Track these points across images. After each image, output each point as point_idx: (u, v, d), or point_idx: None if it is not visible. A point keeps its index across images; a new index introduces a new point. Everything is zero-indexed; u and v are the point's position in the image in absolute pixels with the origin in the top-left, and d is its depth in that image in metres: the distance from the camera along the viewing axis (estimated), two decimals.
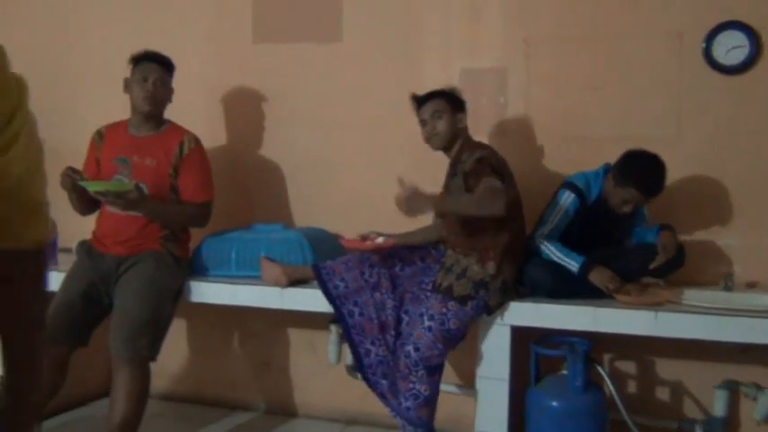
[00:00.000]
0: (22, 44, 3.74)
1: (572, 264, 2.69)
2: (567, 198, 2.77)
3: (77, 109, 3.77)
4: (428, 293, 2.75)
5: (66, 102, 3.81)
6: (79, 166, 3.05)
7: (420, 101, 2.89)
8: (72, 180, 2.83)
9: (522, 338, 2.79)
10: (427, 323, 2.67)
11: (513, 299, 2.71)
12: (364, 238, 2.90)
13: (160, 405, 3.54)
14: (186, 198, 3.03)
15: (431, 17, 3.33)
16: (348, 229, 3.34)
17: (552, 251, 2.73)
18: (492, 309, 2.69)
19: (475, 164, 2.68)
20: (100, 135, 3.13)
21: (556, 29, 3.16)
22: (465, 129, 2.87)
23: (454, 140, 2.85)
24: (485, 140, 3.03)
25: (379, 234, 2.90)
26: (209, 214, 3.10)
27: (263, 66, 3.55)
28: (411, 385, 2.66)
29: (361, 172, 3.42)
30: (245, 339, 3.67)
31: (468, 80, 3.23)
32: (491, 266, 2.69)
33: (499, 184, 2.58)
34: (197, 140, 3.08)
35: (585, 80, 3.13)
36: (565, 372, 2.73)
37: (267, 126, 3.55)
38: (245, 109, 3.58)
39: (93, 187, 2.82)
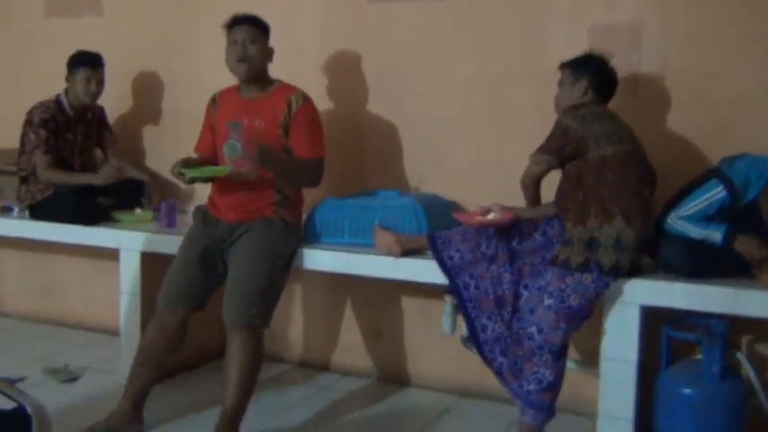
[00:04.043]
0: (144, 15, 3.91)
1: (714, 234, 2.48)
2: (718, 193, 2.52)
3: (198, 74, 3.77)
4: (548, 266, 2.60)
5: (186, 67, 3.84)
6: (196, 126, 3.13)
7: (560, 66, 2.79)
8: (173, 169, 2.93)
9: (652, 319, 2.60)
10: (547, 301, 2.52)
11: (631, 262, 2.51)
12: (485, 211, 2.75)
13: (270, 368, 3.54)
14: (298, 155, 2.96)
15: None
16: (467, 196, 3.25)
17: (687, 227, 2.51)
18: (606, 270, 2.49)
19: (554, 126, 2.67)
20: (214, 101, 3.12)
21: None
22: (587, 95, 2.71)
23: (577, 107, 2.70)
24: (614, 102, 2.80)
25: (501, 207, 2.74)
26: (322, 172, 3.01)
27: (377, 25, 3.43)
28: (535, 368, 2.54)
29: (482, 134, 3.27)
30: (357, 306, 3.62)
31: (598, 36, 3.00)
32: (593, 223, 2.52)
33: (538, 161, 2.64)
34: (305, 97, 3.00)
35: (731, 35, 2.85)
36: (699, 356, 2.54)
37: (382, 88, 3.44)
38: (359, 70, 3.48)
39: (189, 173, 2.87)
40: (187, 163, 2.98)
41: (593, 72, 2.70)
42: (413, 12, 3.35)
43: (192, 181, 2.95)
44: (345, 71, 3.50)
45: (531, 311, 2.58)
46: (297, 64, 3.45)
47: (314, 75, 3.50)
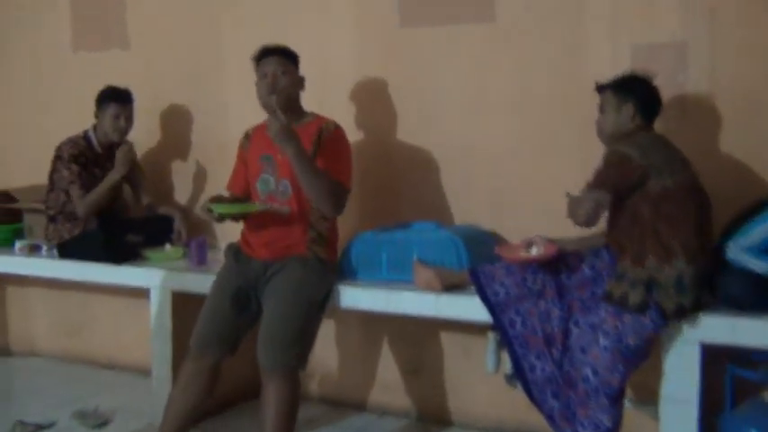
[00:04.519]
0: (171, 47, 3.86)
1: None
2: None
3: (226, 106, 3.71)
4: (599, 302, 2.46)
5: (214, 99, 3.77)
6: (225, 159, 3.07)
7: (599, 89, 2.61)
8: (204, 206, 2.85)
9: (714, 357, 2.44)
10: (603, 341, 2.37)
11: (694, 303, 2.36)
12: (527, 244, 2.62)
13: (305, 409, 3.41)
14: None
15: None
16: (508, 226, 3.13)
17: (750, 260, 2.36)
18: (669, 314, 2.34)
19: (602, 159, 2.46)
20: (246, 137, 3.06)
21: None
22: (635, 120, 2.54)
23: (625, 133, 2.54)
24: (660, 125, 2.66)
25: (544, 240, 2.61)
26: (344, 199, 2.87)
27: (410, 51, 3.33)
28: (591, 413, 2.39)
29: (522, 162, 3.14)
30: (394, 342, 3.49)
31: (642, 57, 2.88)
32: (651, 262, 2.37)
33: (595, 197, 2.36)
34: (336, 126, 2.92)
35: None
36: (766, 396, 2.37)
37: (417, 115, 3.33)
38: (391, 98, 3.38)
39: (218, 209, 2.79)
40: (218, 200, 2.91)
41: (638, 94, 2.54)
42: (446, 36, 3.25)
43: (222, 218, 2.85)
44: (377, 99, 3.40)
45: (584, 350, 2.44)
46: (328, 92, 3.37)
47: (345, 103, 3.42)
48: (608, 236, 2.58)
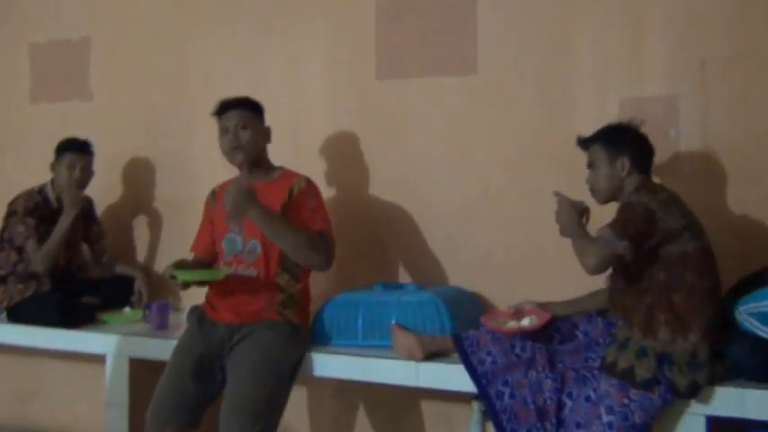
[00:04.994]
0: (135, 98, 3.69)
1: None
2: None
3: (194, 161, 3.53)
4: (596, 372, 2.28)
5: (181, 153, 3.60)
6: (192, 216, 2.94)
7: (583, 142, 2.44)
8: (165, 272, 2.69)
9: (721, 431, 2.25)
10: (606, 418, 2.17)
11: (708, 379, 2.18)
12: (518, 311, 2.44)
13: None
14: None
15: (582, 39, 2.87)
16: (492, 287, 2.97)
17: (761, 328, 2.19)
18: (682, 391, 2.16)
19: (619, 210, 2.28)
20: (213, 195, 2.90)
21: (740, 47, 2.64)
22: (632, 173, 2.37)
23: (618, 192, 2.39)
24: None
25: (534, 306, 2.44)
26: (330, 253, 2.69)
27: (387, 104, 3.19)
28: None
29: (504, 218, 2.98)
30: (371, 411, 3.25)
31: (631, 111, 2.73)
32: (664, 334, 2.19)
33: (617, 245, 2.15)
34: (308, 181, 2.77)
35: None
36: None
37: (394, 171, 3.17)
38: (368, 153, 3.23)
39: (183, 276, 2.60)
40: (181, 265, 2.71)
41: (630, 145, 2.37)
42: (426, 89, 3.11)
43: (186, 285, 2.66)
44: (353, 154, 3.24)
45: (580, 426, 2.23)
46: (299, 147, 3.23)
47: (318, 158, 3.26)
48: (611, 299, 2.41)
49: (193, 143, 3.54)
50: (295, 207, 2.68)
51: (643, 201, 2.25)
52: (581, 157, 2.51)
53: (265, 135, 2.80)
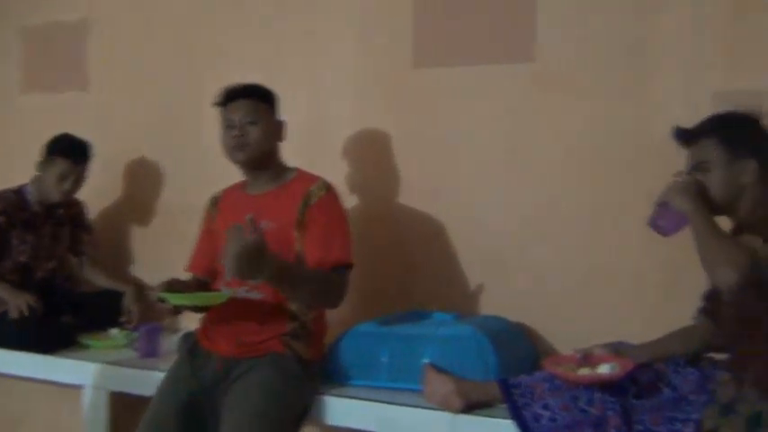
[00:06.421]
0: (138, 90, 3.31)
1: None
2: None
3: (202, 161, 3.11)
4: None
5: (187, 153, 3.22)
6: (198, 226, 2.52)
7: (687, 136, 1.93)
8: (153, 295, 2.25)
9: None
10: None
11: None
12: (586, 355, 1.98)
13: None
14: (311, 261, 2.24)
15: (667, 19, 2.38)
16: (547, 321, 2.50)
17: None
18: None
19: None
20: (214, 203, 2.50)
21: None
22: (756, 183, 1.89)
23: (736, 203, 1.90)
24: None
25: (610, 350, 1.98)
26: (343, 287, 2.27)
27: (426, 96, 2.75)
28: None
29: (569, 238, 2.53)
30: None
31: (724, 107, 2.23)
32: None
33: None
34: (328, 187, 2.33)
35: None
36: None
37: (432, 177, 2.74)
38: (402, 154, 2.79)
39: (175, 300, 2.19)
40: (173, 285, 2.26)
41: (759, 144, 1.91)
42: (473, 77, 2.66)
43: (178, 311, 2.32)
44: (384, 155, 2.81)
45: None
46: (320, 146, 2.84)
47: (342, 160, 2.85)
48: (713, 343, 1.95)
49: (202, 141, 3.12)
50: (311, 220, 2.26)
51: None
52: (666, 161, 2.03)
53: (277, 131, 2.38)
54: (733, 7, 2.31)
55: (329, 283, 2.23)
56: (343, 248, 2.27)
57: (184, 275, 2.44)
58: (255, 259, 1.93)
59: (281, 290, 2.16)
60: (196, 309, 2.30)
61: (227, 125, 2.32)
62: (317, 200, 2.28)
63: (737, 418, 1.72)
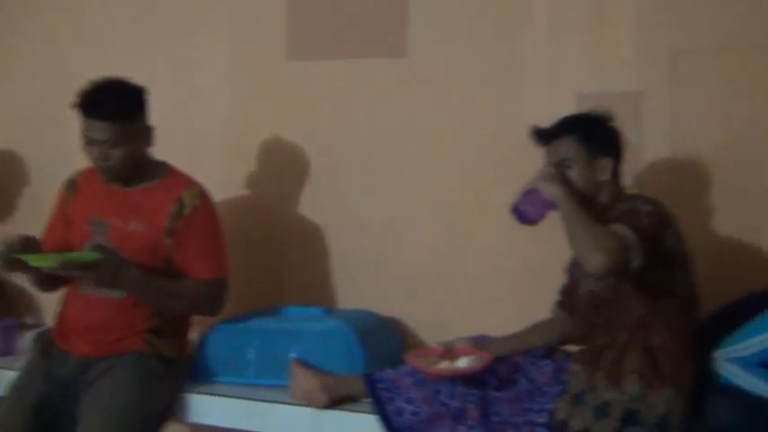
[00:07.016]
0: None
1: None
2: None
3: (68, 151, 2.88)
4: (541, 431, 1.85)
5: (51, 142, 3.03)
6: None
7: (546, 135, 1.97)
8: (5, 254, 2.00)
9: None
10: None
11: None
12: (448, 348, 2.01)
13: None
14: (191, 275, 2.19)
15: (534, 25, 2.44)
16: (413, 314, 2.52)
17: (744, 377, 1.81)
18: None
19: (623, 212, 1.84)
20: (72, 185, 2.31)
21: (717, 37, 2.27)
22: (611, 180, 1.96)
23: (596, 198, 1.94)
24: None
25: (470, 343, 2.03)
26: (222, 298, 2.23)
27: (301, 89, 2.71)
28: None
29: (432, 237, 2.56)
30: None
31: (587, 109, 2.31)
32: (633, 386, 1.78)
33: (631, 237, 1.70)
34: (202, 194, 2.22)
35: (761, 108, 2.22)
36: None
37: (304, 170, 2.72)
38: (275, 149, 2.74)
39: (36, 262, 1.99)
40: (29, 244, 2.05)
41: (614, 143, 1.97)
42: (351, 71, 2.65)
43: (40, 281, 2.18)
44: (257, 149, 2.76)
45: None
46: (193, 139, 2.75)
47: (215, 153, 2.78)
48: (567, 335, 2.03)
49: (67, 130, 2.95)
50: (185, 231, 2.16)
51: (650, 209, 1.82)
52: (533, 154, 2.05)
53: (145, 140, 2.20)
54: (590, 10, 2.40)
55: (206, 294, 2.19)
56: (221, 262, 2.24)
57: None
58: (116, 268, 1.95)
59: (148, 301, 2.11)
60: (53, 276, 2.08)
61: (88, 140, 2.12)
62: (191, 209, 2.18)
63: (586, 408, 1.79)
